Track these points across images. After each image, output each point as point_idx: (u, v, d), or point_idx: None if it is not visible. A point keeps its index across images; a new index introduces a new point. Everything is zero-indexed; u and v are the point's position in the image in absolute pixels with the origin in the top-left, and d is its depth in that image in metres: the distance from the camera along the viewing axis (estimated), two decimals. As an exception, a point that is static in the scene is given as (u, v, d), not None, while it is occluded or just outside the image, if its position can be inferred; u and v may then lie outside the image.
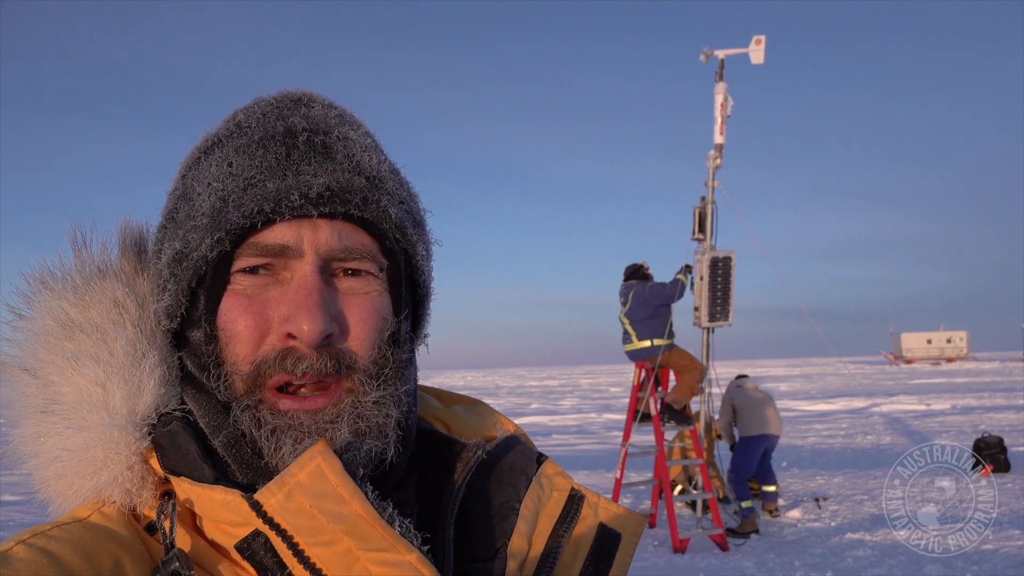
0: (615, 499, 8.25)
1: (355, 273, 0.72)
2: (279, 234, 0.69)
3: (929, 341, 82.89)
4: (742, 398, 9.00)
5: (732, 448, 9.09)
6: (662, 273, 9.59)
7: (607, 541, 0.80)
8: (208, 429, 0.71)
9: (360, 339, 0.71)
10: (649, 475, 8.98)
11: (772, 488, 8.95)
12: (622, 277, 8.80)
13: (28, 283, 0.73)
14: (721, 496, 9.00)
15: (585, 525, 0.80)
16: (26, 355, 0.72)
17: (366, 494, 0.65)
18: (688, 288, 8.46)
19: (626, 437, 8.54)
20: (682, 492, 8.98)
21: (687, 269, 8.46)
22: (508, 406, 28.40)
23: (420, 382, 0.90)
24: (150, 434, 0.71)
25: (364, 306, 0.71)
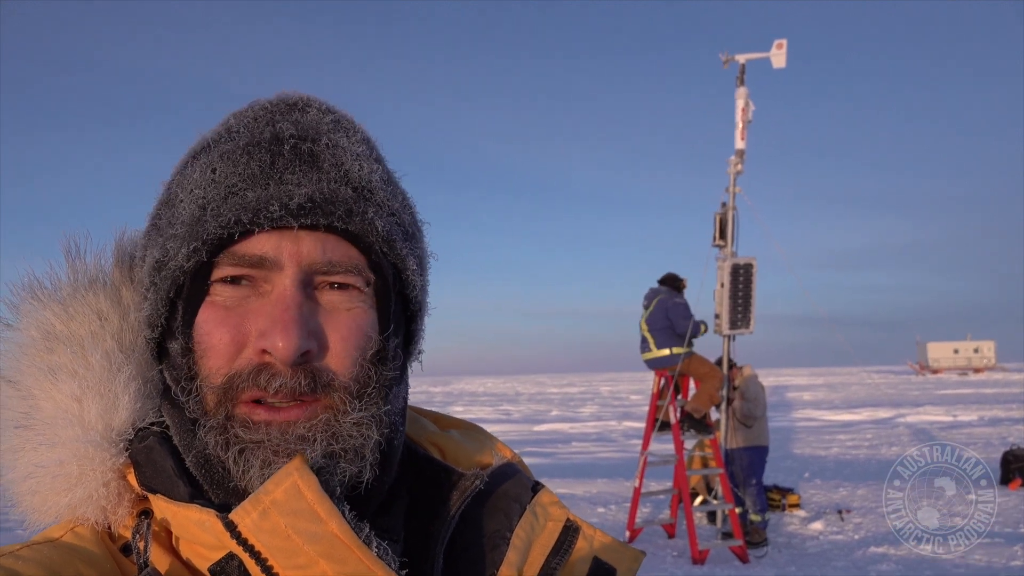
0: (634, 508, 8.20)
1: (340, 287, 0.69)
2: (257, 245, 0.66)
3: (956, 351, 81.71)
4: (764, 399, 8.75)
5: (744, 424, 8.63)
6: (694, 285, 9.49)
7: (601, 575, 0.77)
8: (180, 446, 0.69)
9: (340, 357, 0.68)
10: (668, 484, 8.91)
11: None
12: (655, 283, 8.63)
13: (16, 293, 0.72)
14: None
15: (579, 558, 0.77)
16: (9, 367, 0.70)
17: (343, 513, 0.62)
18: (700, 327, 8.25)
19: (645, 445, 8.46)
20: (703, 502, 8.89)
21: (703, 327, 8.29)
22: (528, 412, 28.40)
23: (424, 406, 0.88)
24: (127, 450, 0.69)
25: (346, 323, 0.68)
